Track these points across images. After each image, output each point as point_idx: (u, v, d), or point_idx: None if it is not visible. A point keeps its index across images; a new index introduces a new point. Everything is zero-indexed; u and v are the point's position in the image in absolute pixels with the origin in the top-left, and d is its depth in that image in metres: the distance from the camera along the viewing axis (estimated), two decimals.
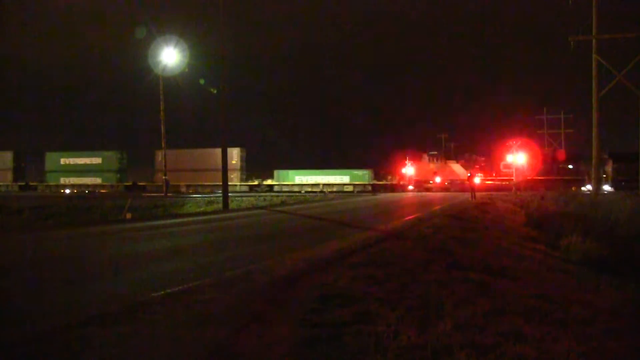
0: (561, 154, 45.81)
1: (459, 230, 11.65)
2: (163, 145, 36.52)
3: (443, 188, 45.91)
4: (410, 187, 47.03)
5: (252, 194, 43.92)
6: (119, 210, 18.05)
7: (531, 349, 3.80)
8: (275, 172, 52.87)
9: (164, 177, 37.51)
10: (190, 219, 16.49)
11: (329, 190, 47.82)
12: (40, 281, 6.37)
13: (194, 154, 52.43)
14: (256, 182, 51.73)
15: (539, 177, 43.45)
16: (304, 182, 50.88)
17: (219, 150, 50.11)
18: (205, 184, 49.67)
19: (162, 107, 35.34)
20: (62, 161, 55.64)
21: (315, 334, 3.90)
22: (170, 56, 29.95)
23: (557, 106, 62.93)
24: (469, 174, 37.42)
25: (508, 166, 45.53)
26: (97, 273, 6.85)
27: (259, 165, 58.35)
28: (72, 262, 7.99)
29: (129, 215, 16.87)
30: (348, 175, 51.14)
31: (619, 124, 57.25)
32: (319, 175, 52.06)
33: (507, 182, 44.98)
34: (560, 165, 44.10)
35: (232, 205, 23.08)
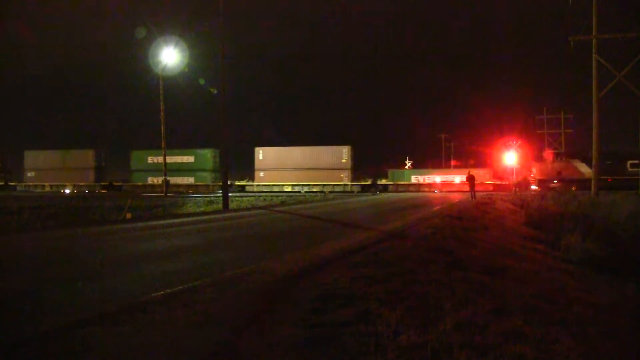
0: None
1: (459, 230, 11.64)
2: (163, 145, 36.51)
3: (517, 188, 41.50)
4: (533, 187, 44.33)
5: (365, 194, 41.75)
6: (119, 211, 18.07)
7: (531, 349, 3.80)
8: (390, 172, 51.22)
9: (163, 177, 37.55)
10: (190, 219, 16.48)
11: (447, 189, 46.64)
12: (39, 281, 6.37)
13: (295, 152, 49.51)
14: (369, 182, 49.75)
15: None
16: (421, 182, 49.07)
17: (330, 148, 49.02)
18: (314, 183, 47.22)
19: (162, 108, 35.34)
20: (150, 160, 51.39)
21: (315, 334, 3.90)
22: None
23: (557, 106, 62.75)
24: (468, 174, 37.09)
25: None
26: (97, 273, 6.84)
27: (369, 164, 57.19)
28: (71, 262, 7.99)
29: (129, 216, 16.88)
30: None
31: (619, 124, 57.21)
32: (437, 174, 50.40)
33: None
34: None
35: (232, 205, 23.12)
